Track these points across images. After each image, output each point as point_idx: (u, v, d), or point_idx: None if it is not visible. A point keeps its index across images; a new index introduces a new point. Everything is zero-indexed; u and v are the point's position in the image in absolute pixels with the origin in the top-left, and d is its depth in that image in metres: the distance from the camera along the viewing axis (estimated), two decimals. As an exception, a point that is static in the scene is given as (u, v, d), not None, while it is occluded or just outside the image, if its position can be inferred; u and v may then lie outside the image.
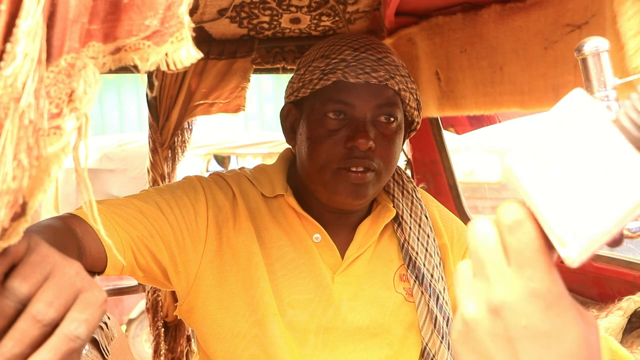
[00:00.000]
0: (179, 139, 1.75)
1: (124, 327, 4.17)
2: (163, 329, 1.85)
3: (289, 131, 1.09)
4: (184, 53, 0.42)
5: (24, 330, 0.42)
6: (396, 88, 0.99)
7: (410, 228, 1.08)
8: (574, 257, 0.36)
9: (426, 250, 1.07)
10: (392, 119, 1.00)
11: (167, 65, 0.42)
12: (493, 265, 0.39)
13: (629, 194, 0.34)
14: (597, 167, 0.35)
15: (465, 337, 0.41)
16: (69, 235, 0.78)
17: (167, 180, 1.76)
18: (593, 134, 0.36)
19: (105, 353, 1.09)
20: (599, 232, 0.35)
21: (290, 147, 1.12)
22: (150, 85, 1.70)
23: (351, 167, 0.97)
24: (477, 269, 0.40)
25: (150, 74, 1.69)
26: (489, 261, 0.39)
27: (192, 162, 4.95)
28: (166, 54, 0.42)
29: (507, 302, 0.38)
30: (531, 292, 0.37)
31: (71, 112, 0.40)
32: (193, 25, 0.42)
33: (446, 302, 1.05)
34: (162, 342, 1.85)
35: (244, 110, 1.72)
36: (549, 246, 0.38)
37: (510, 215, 0.38)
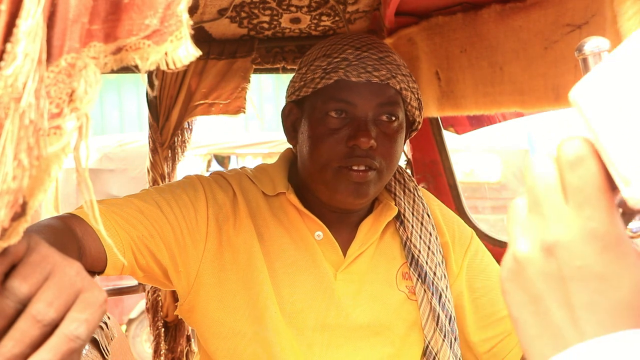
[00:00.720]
0: (179, 139, 1.75)
1: (124, 327, 4.17)
2: (163, 329, 1.85)
3: (290, 130, 1.09)
4: (184, 52, 0.42)
5: (24, 330, 0.42)
6: (398, 87, 1.00)
7: (412, 226, 1.08)
8: (637, 197, 0.34)
9: (428, 248, 1.07)
10: (393, 118, 1.00)
11: (167, 65, 0.42)
12: (550, 202, 0.37)
13: None
14: None
15: (515, 276, 0.39)
16: (69, 235, 0.78)
17: (167, 180, 1.76)
18: None
19: (105, 353, 1.09)
20: None
21: (291, 146, 1.12)
22: (151, 84, 1.70)
23: (353, 165, 0.97)
24: (533, 206, 0.38)
25: (150, 74, 1.69)
26: (546, 198, 0.37)
27: (192, 162, 4.95)
28: (165, 53, 0.42)
29: (563, 241, 0.36)
30: (589, 232, 0.35)
31: (72, 112, 0.40)
32: (192, 23, 0.42)
33: (448, 300, 1.05)
34: (162, 342, 1.85)
35: (244, 112, 1.72)
36: (612, 187, 0.36)
37: (573, 151, 0.36)
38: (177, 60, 0.41)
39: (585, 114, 0.36)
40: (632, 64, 0.35)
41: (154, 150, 1.75)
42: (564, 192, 0.37)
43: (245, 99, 1.70)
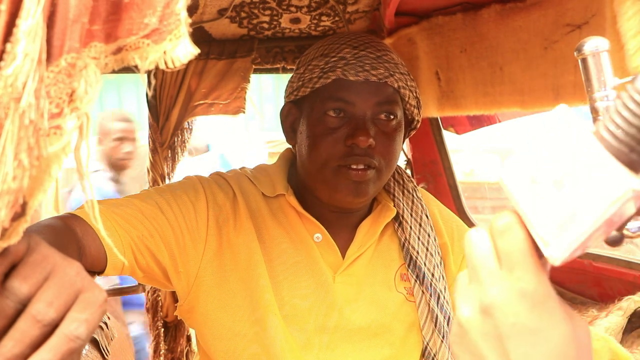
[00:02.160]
0: (179, 139, 1.75)
1: (124, 327, 4.16)
2: (163, 329, 1.85)
3: (289, 131, 1.09)
4: (182, 50, 0.41)
5: (24, 330, 0.42)
6: (396, 86, 1.00)
7: (410, 227, 1.08)
8: (556, 256, 0.39)
9: (427, 249, 1.07)
10: (392, 117, 1.00)
11: (166, 64, 0.42)
12: (485, 268, 0.41)
13: (603, 198, 0.37)
14: (578, 175, 0.38)
15: (460, 339, 0.43)
16: (69, 235, 0.78)
17: (167, 180, 1.76)
18: (575, 145, 0.39)
19: (105, 353, 1.09)
20: (578, 232, 0.38)
21: (291, 147, 1.12)
22: (150, 84, 1.70)
23: (352, 164, 0.97)
24: (472, 274, 0.43)
25: (149, 74, 1.69)
26: (482, 265, 0.42)
27: (192, 162, 4.95)
28: (164, 52, 0.42)
29: (497, 302, 0.40)
30: (519, 292, 0.39)
31: (72, 111, 0.40)
32: (190, 21, 0.42)
33: (447, 302, 1.05)
34: (162, 342, 1.85)
35: (244, 112, 1.72)
36: (537, 250, 0.41)
37: (501, 221, 0.41)
38: (175, 59, 0.41)
39: (510, 189, 0.42)
40: (545, 143, 0.41)
41: (154, 150, 1.75)
42: (498, 259, 0.41)
43: (244, 99, 1.71)
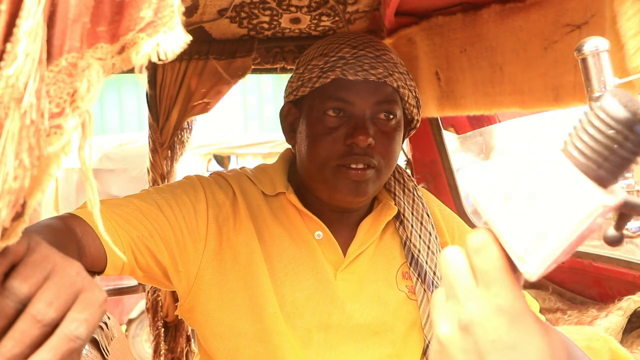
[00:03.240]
0: (179, 138, 1.76)
1: (124, 327, 4.17)
2: (163, 329, 1.85)
3: (289, 130, 1.09)
4: (176, 41, 0.41)
5: (24, 330, 0.42)
6: (395, 85, 1.00)
7: (412, 226, 1.08)
8: (531, 272, 0.40)
9: (428, 247, 1.07)
10: (391, 116, 1.00)
11: (158, 56, 0.41)
12: (462, 286, 0.42)
13: (574, 215, 0.38)
14: (548, 192, 0.39)
15: (440, 356, 0.44)
16: (69, 235, 0.78)
17: (166, 180, 1.76)
18: (545, 163, 0.40)
19: (105, 353, 1.09)
20: (551, 248, 0.39)
21: (291, 147, 1.12)
22: (150, 84, 1.70)
23: (351, 164, 0.97)
24: (449, 292, 0.44)
25: (149, 73, 1.69)
26: (459, 283, 0.43)
27: (192, 162, 4.95)
28: (158, 44, 0.41)
29: (476, 319, 0.41)
30: (497, 308, 0.40)
31: (74, 111, 0.40)
32: (187, 19, 0.42)
33: None
34: (162, 342, 1.85)
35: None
36: (513, 267, 0.42)
37: (477, 240, 0.42)
38: (168, 51, 0.41)
39: (482, 207, 0.43)
40: (514, 162, 0.42)
41: (154, 150, 1.75)
42: (474, 276, 0.42)
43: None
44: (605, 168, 0.38)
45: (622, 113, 0.36)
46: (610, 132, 0.37)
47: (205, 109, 1.72)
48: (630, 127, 0.36)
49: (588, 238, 0.40)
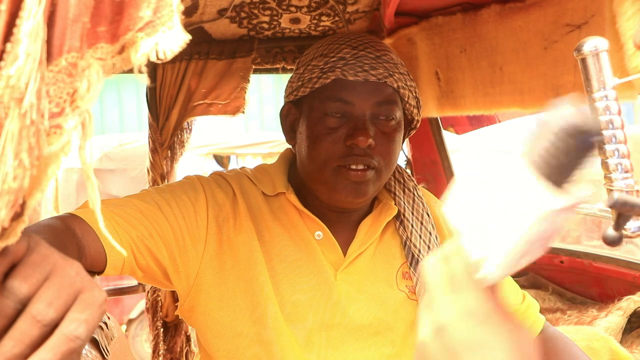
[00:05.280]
0: (179, 138, 1.76)
1: (124, 327, 4.17)
2: (162, 329, 1.85)
3: (289, 131, 1.09)
4: (175, 41, 0.41)
5: (23, 330, 0.42)
6: (395, 86, 1.00)
7: (412, 226, 1.08)
8: (490, 277, 0.44)
9: (428, 247, 1.07)
10: (391, 117, 1.00)
11: (157, 55, 0.41)
12: (437, 293, 0.47)
13: (526, 219, 0.41)
14: (507, 198, 0.42)
15: (422, 358, 0.47)
16: (68, 235, 0.78)
17: (166, 180, 1.76)
18: (506, 169, 0.42)
19: (105, 353, 1.09)
20: (507, 252, 0.42)
21: (291, 147, 1.12)
22: (150, 84, 1.70)
23: (351, 164, 0.97)
24: (429, 298, 0.48)
25: (149, 73, 1.69)
26: (435, 290, 0.47)
27: (192, 162, 4.95)
28: (157, 44, 0.41)
29: (448, 322, 0.45)
30: (466, 311, 0.44)
31: (73, 111, 0.40)
32: (187, 20, 0.42)
33: None
34: (161, 342, 1.85)
35: (243, 112, 1.72)
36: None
37: (447, 249, 0.47)
38: (167, 50, 0.41)
39: (451, 221, 0.46)
40: (479, 173, 0.44)
41: (153, 150, 1.75)
42: (449, 283, 0.46)
43: (244, 99, 1.71)
44: (557, 172, 0.40)
45: (561, 122, 0.39)
46: (553, 138, 0.40)
47: (207, 110, 1.72)
48: (570, 134, 0.39)
49: (553, 238, 0.42)
